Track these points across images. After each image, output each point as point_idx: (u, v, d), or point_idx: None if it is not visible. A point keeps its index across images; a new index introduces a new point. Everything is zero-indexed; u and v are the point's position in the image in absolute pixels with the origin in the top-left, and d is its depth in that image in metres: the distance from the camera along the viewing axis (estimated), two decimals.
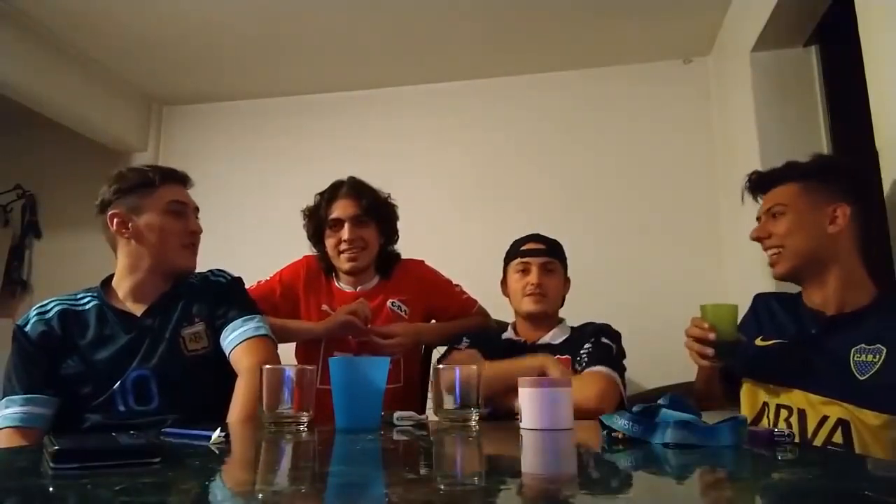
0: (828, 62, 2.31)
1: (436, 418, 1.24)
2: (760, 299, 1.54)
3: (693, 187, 2.91)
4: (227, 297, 1.54)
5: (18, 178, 3.58)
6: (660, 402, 0.98)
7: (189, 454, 0.91)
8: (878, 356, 1.21)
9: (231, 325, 1.48)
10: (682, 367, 1.49)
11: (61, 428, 1.39)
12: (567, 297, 1.86)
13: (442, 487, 0.71)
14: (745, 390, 1.43)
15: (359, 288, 1.96)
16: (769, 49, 2.36)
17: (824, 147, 2.25)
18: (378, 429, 1.16)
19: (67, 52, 2.95)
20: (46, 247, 3.55)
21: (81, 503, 0.60)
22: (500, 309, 1.99)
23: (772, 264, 1.42)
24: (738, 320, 1.38)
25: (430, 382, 1.57)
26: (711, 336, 1.29)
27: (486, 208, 3.08)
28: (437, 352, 1.97)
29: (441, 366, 1.38)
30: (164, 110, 3.57)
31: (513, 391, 1.22)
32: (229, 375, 1.42)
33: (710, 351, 1.30)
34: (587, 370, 1.56)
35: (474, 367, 1.24)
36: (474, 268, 2.10)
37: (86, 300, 1.50)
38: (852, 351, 1.25)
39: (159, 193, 1.50)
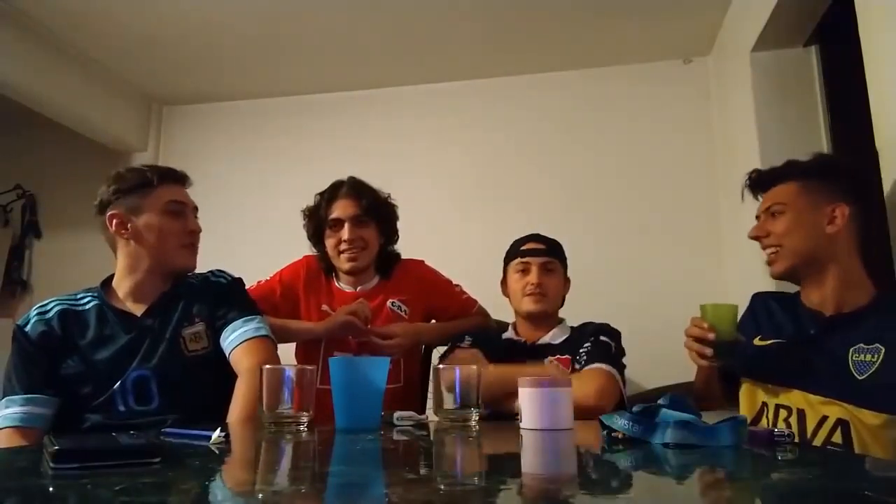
0: (828, 62, 2.31)
1: (436, 418, 1.24)
2: (759, 299, 1.54)
3: (693, 187, 2.91)
4: (227, 297, 1.54)
5: (18, 178, 3.58)
6: (660, 402, 0.98)
7: (189, 454, 0.91)
8: (876, 356, 1.21)
9: (231, 325, 1.48)
10: (682, 367, 1.49)
11: (61, 428, 1.39)
12: (567, 297, 1.87)
13: (442, 487, 0.71)
14: (744, 390, 1.43)
15: (359, 288, 1.96)
16: (769, 49, 2.36)
17: (824, 147, 2.25)
18: (378, 429, 1.16)
19: (67, 52, 2.95)
20: (46, 247, 3.55)
21: (81, 503, 0.60)
22: (500, 309, 1.99)
23: (769, 263, 1.42)
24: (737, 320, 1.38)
25: (430, 382, 1.57)
26: (711, 336, 1.29)
27: (486, 208, 3.08)
28: (438, 352, 1.97)
29: (441, 366, 1.39)
30: (164, 110, 3.57)
31: (513, 396, 1.22)
32: (229, 376, 1.42)
33: (709, 351, 1.30)
34: (586, 367, 1.56)
35: (474, 367, 1.24)
36: (474, 268, 2.10)
37: (86, 300, 1.50)
38: (851, 351, 1.25)
39: (158, 193, 1.50)
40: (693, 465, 0.82)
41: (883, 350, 1.21)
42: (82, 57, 3.02)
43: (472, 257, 2.33)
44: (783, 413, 1.32)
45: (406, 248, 2.07)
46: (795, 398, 1.30)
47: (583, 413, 1.22)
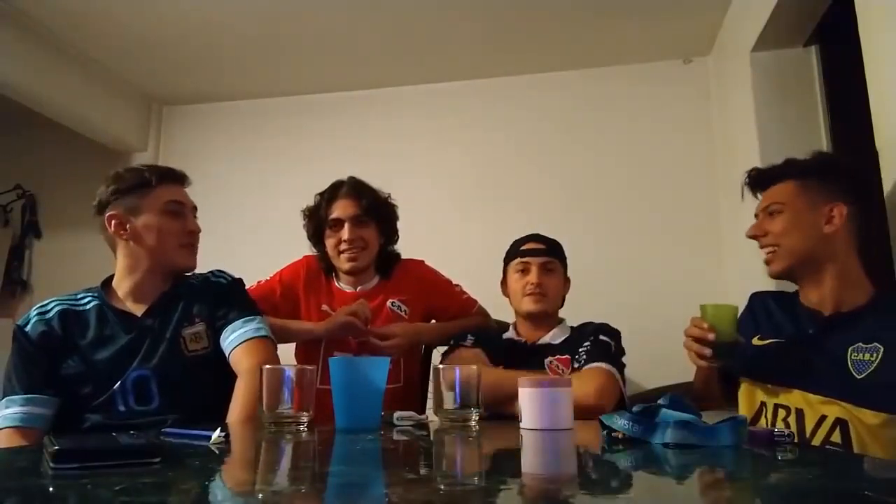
0: (828, 62, 2.31)
1: (436, 418, 1.24)
2: (757, 298, 1.54)
3: (693, 187, 2.91)
4: (227, 298, 1.54)
5: (18, 178, 3.58)
6: (660, 402, 0.98)
7: (189, 454, 0.91)
8: (875, 355, 1.21)
9: (231, 326, 1.48)
10: (682, 367, 1.49)
11: (61, 428, 1.39)
12: (567, 297, 1.87)
13: (442, 487, 0.71)
14: (743, 390, 1.43)
15: (359, 288, 1.96)
16: (769, 49, 2.36)
17: (824, 147, 2.25)
18: (378, 429, 1.16)
19: (67, 52, 2.95)
20: (46, 247, 3.55)
21: (81, 503, 0.60)
22: (500, 309, 1.99)
23: (767, 263, 1.42)
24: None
25: (430, 382, 1.57)
26: (711, 336, 1.29)
27: (486, 208, 3.08)
28: (438, 352, 1.97)
29: (441, 366, 1.38)
30: (164, 110, 3.57)
31: (510, 400, 1.22)
32: (229, 376, 1.42)
33: (708, 351, 1.30)
34: (586, 367, 1.56)
35: (474, 367, 1.24)
36: (474, 268, 2.10)
37: (86, 300, 1.50)
38: (850, 350, 1.25)
39: (156, 193, 1.50)
40: (693, 465, 0.82)
41: (882, 349, 1.21)
42: (82, 57, 3.02)
43: (472, 257, 2.33)
44: (782, 413, 1.32)
45: (406, 248, 2.07)
46: (794, 398, 1.30)
47: (583, 412, 1.22)
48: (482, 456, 1.01)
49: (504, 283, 1.87)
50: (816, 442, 1.24)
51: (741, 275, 2.49)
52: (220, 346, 1.48)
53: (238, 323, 1.49)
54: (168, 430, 1.11)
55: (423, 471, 0.85)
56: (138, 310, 1.49)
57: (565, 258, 1.85)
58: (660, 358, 1.99)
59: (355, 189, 1.94)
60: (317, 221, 1.96)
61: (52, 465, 0.69)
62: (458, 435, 1.15)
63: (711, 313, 1.32)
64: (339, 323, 1.79)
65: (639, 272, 2.86)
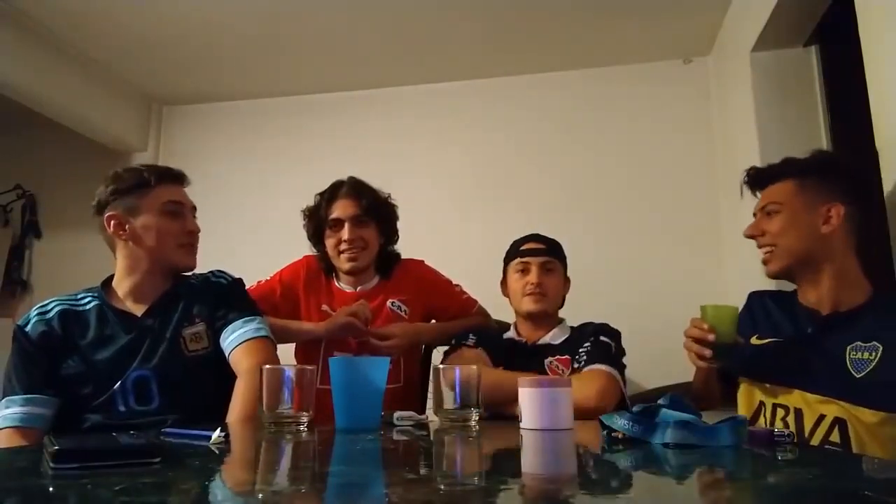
0: (828, 62, 2.31)
1: (436, 418, 1.24)
2: (755, 297, 1.54)
3: (693, 187, 2.91)
4: (227, 298, 1.54)
5: (18, 178, 3.58)
6: (660, 402, 0.98)
7: (189, 454, 0.91)
8: (873, 354, 1.21)
9: (231, 326, 1.48)
10: (682, 367, 1.49)
11: (61, 428, 1.39)
12: (567, 297, 1.86)
13: (442, 487, 0.71)
14: (742, 390, 1.43)
15: (359, 288, 1.96)
16: (769, 49, 2.36)
17: (824, 147, 2.25)
18: (378, 429, 1.16)
19: (67, 52, 2.95)
20: (46, 247, 3.55)
21: (81, 503, 0.60)
22: (500, 309, 1.99)
23: (764, 263, 1.42)
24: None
25: (430, 382, 1.57)
26: (711, 337, 1.29)
27: (486, 208, 3.08)
28: (438, 352, 1.97)
29: (441, 366, 1.38)
30: (164, 110, 3.58)
31: (512, 401, 1.22)
32: (229, 376, 1.42)
33: (708, 352, 1.30)
34: (586, 368, 1.56)
35: (474, 367, 1.24)
36: (474, 268, 2.10)
37: (86, 300, 1.50)
38: (848, 349, 1.25)
39: (155, 194, 1.50)
40: (693, 465, 0.82)
41: (881, 348, 1.21)
42: (82, 57, 3.02)
43: (472, 257, 2.33)
44: (780, 412, 1.32)
45: (406, 248, 2.07)
46: (793, 398, 1.30)
47: (583, 415, 1.22)
48: (482, 456, 1.01)
49: (504, 283, 1.87)
50: (815, 442, 1.24)
51: (741, 275, 2.49)
52: (220, 347, 1.48)
53: (238, 323, 1.49)
54: (168, 430, 1.11)
55: (423, 471, 0.85)
56: (138, 310, 1.49)
57: (565, 258, 1.85)
58: (660, 358, 1.99)
59: (355, 189, 1.94)
60: (317, 221, 1.96)
61: (52, 465, 0.69)
62: (458, 435, 1.15)
63: (711, 314, 1.32)
64: (340, 323, 1.79)
65: (639, 272, 2.86)
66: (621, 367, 1.61)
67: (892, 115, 1.40)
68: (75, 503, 0.60)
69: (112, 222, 1.48)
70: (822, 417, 1.25)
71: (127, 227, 1.48)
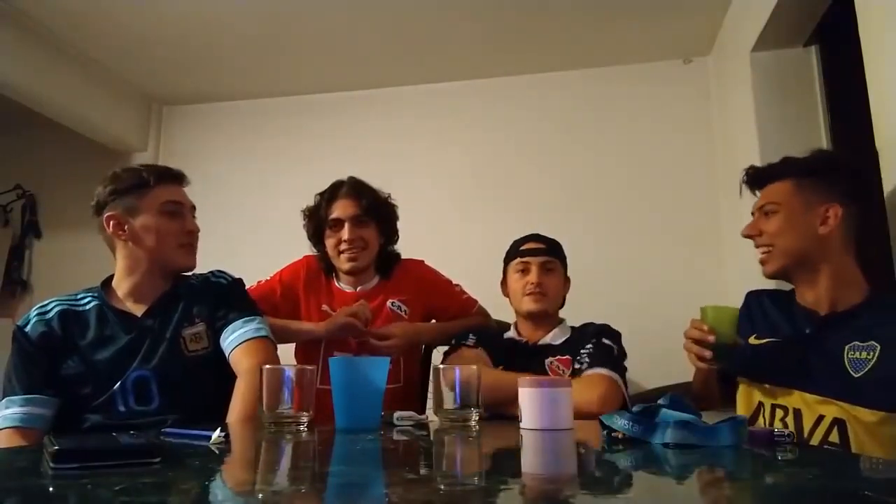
0: (828, 62, 2.31)
1: (436, 418, 1.24)
2: (753, 297, 1.54)
3: (693, 187, 2.91)
4: (227, 298, 1.54)
5: (18, 178, 3.58)
6: (660, 402, 0.98)
7: (189, 454, 0.91)
8: (872, 353, 1.21)
9: (231, 326, 1.48)
10: (682, 367, 1.49)
11: (61, 428, 1.39)
12: (567, 297, 1.86)
13: (442, 487, 0.71)
14: (741, 391, 1.43)
15: (359, 288, 1.96)
16: (769, 49, 2.36)
17: (824, 147, 2.24)
18: (378, 429, 1.16)
19: (67, 52, 2.95)
20: (46, 247, 3.55)
21: (81, 503, 0.60)
22: (500, 309, 1.99)
23: (762, 263, 1.42)
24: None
25: (430, 382, 1.57)
26: (711, 338, 1.29)
27: (486, 208, 3.08)
28: (438, 352, 1.97)
29: (441, 366, 1.38)
30: (164, 110, 3.58)
31: (512, 402, 1.22)
32: (229, 376, 1.42)
33: (708, 353, 1.30)
34: (588, 372, 1.56)
35: (474, 367, 1.24)
36: (474, 268, 2.10)
37: (86, 300, 1.50)
38: (846, 349, 1.25)
39: (154, 194, 1.50)
40: (693, 465, 0.82)
41: (879, 347, 1.21)
42: (82, 57, 3.02)
43: (472, 257, 2.33)
44: (779, 413, 1.32)
45: (406, 248, 2.07)
46: (792, 398, 1.30)
47: (585, 419, 1.21)
48: (482, 456, 1.01)
49: (504, 283, 1.87)
50: (814, 442, 1.24)
51: (741, 275, 2.49)
52: (220, 347, 1.48)
53: (238, 323, 1.49)
54: (168, 430, 1.10)
55: (423, 471, 0.85)
56: (138, 310, 1.49)
57: (565, 258, 1.85)
58: (660, 358, 1.99)
59: (355, 189, 1.94)
60: (317, 221, 1.96)
61: (52, 465, 0.69)
62: (458, 435, 1.15)
63: (711, 315, 1.32)
64: (340, 324, 1.79)
65: (639, 272, 2.86)
66: (623, 371, 1.61)
67: (892, 115, 1.40)
68: (75, 503, 0.60)
69: (111, 222, 1.48)
70: (821, 418, 1.25)
71: (126, 227, 1.48)
